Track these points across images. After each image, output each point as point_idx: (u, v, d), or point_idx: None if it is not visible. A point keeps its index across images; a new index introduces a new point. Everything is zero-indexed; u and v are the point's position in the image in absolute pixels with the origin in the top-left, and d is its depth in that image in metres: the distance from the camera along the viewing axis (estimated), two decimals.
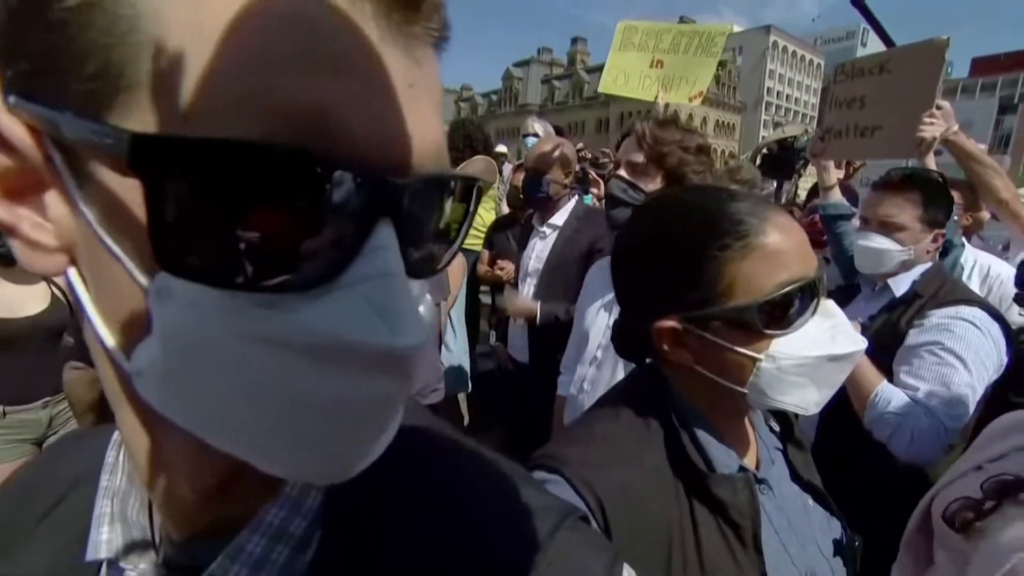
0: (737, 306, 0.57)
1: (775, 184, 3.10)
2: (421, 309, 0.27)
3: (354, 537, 0.30)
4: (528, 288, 2.08)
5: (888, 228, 1.44)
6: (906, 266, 1.45)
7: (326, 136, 0.20)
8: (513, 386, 2.20)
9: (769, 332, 0.57)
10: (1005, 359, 1.30)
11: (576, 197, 2.14)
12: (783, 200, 3.24)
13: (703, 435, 0.60)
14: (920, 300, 1.38)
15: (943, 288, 1.38)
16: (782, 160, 2.50)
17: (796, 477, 0.69)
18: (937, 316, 1.31)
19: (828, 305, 0.61)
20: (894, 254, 1.42)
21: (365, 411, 0.22)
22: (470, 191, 0.28)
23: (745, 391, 0.59)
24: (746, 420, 0.69)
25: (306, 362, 0.20)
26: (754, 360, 0.57)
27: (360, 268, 0.21)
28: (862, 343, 0.61)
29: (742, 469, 0.62)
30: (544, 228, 2.10)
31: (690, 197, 0.67)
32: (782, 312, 0.57)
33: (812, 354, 0.58)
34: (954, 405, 1.21)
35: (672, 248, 0.61)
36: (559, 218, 2.09)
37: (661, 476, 0.59)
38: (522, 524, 0.32)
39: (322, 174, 0.20)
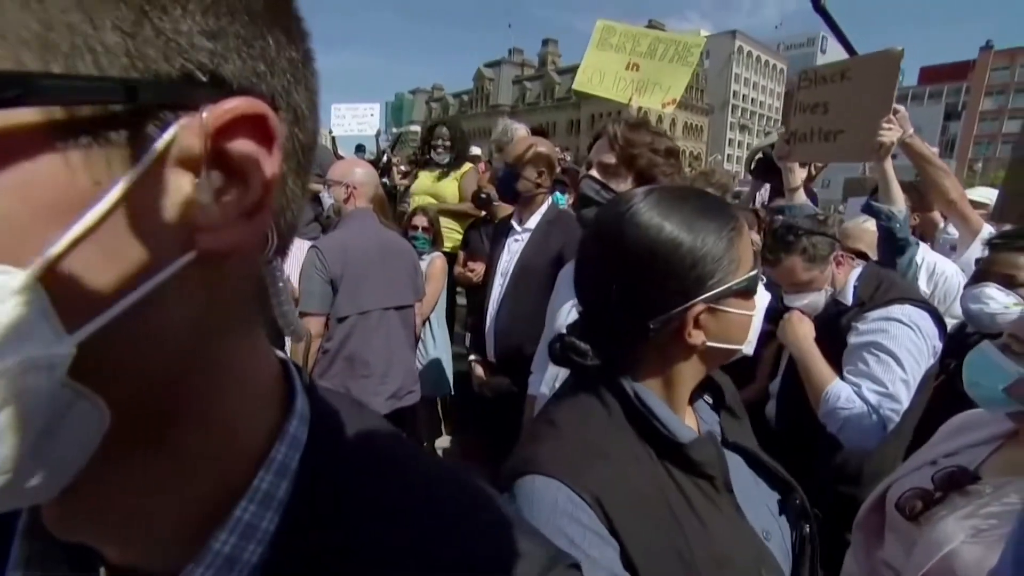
0: (747, 276, 0.69)
1: (768, 187, 3.16)
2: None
3: (319, 550, 0.29)
4: (497, 283, 2.07)
5: (798, 288, 1.56)
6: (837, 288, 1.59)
7: None
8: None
9: (753, 292, 0.71)
10: (939, 344, 1.43)
11: (550, 200, 2.12)
12: (775, 202, 3.29)
13: (663, 414, 0.67)
14: (862, 304, 1.50)
15: (880, 288, 1.51)
16: (776, 164, 2.57)
17: (734, 445, 0.76)
18: (872, 317, 1.45)
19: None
20: (818, 298, 1.57)
21: None
22: None
23: (741, 347, 0.71)
24: (688, 406, 0.76)
25: None
26: (750, 317, 0.71)
27: None
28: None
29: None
30: (519, 229, 2.09)
31: (685, 194, 0.71)
32: (758, 273, 0.71)
33: (767, 300, 0.74)
34: (891, 399, 1.36)
35: (695, 236, 0.66)
36: (533, 220, 2.08)
37: (638, 459, 0.65)
38: (504, 546, 0.32)
39: None
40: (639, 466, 0.64)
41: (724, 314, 0.68)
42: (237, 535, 0.27)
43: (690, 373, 0.71)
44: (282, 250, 0.28)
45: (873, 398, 1.35)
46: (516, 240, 2.09)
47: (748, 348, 0.73)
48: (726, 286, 0.67)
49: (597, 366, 0.71)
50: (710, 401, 0.81)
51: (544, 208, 2.09)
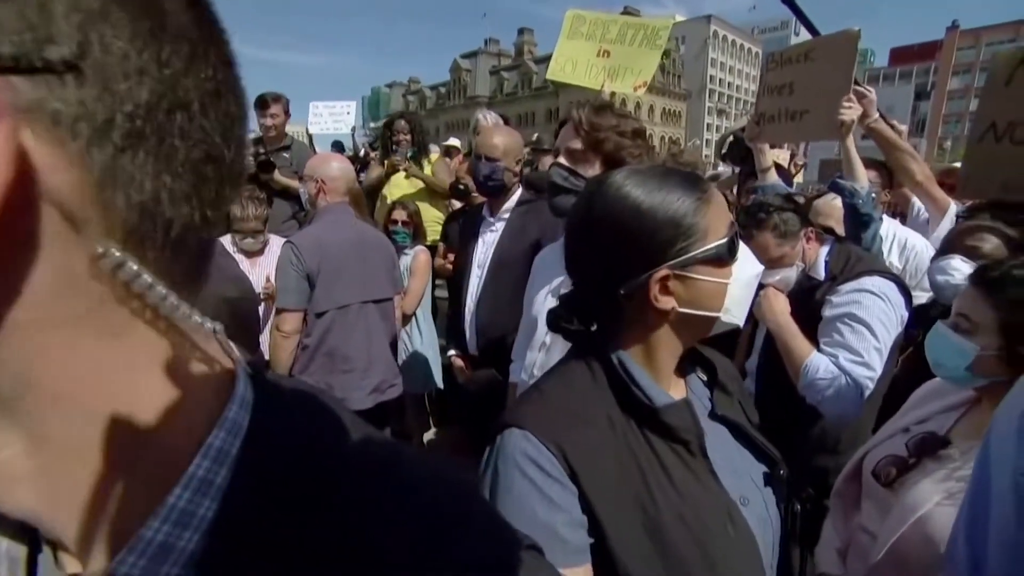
0: (715, 244, 0.70)
1: (739, 171, 3.21)
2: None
3: (260, 538, 0.28)
4: (474, 275, 2.06)
5: (772, 264, 1.60)
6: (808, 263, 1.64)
7: None
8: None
9: (732, 259, 0.72)
10: (905, 313, 1.49)
11: (521, 188, 2.11)
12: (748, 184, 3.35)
13: (644, 381, 0.71)
14: (833, 278, 1.55)
15: (849, 263, 1.56)
16: (749, 148, 2.61)
17: (723, 418, 0.79)
18: (845, 290, 1.49)
19: (738, 239, 0.75)
20: (790, 274, 1.62)
21: None
22: None
23: (718, 314, 0.72)
24: (676, 374, 0.79)
25: None
26: (725, 285, 0.71)
27: None
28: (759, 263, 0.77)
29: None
30: (492, 219, 2.08)
31: (655, 168, 0.75)
32: (733, 243, 0.72)
33: (754, 271, 0.74)
34: (867, 367, 1.40)
35: (659, 204, 0.69)
36: (506, 210, 2.07)
37: (612, 423, 0.69)
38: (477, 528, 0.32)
39: None
40: (612, 428, 0.68)
41: (694, 281, 0.70)
42: (171, 523, 0.26)
43: (669, 341, 0.73)
44: (148, 237, 0.25)
45: (850, 367, 1.39)
46: (491, 231, 2.08)
47: (729, 317, 0.73)
48: (692, 253, 0.68)
49: (588, 336, 0.77)
50: (704, 378, 0.83)
51: (516, 196, 2.07)
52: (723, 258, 0.70)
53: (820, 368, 1.43)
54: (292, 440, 0.31)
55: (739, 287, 0.72)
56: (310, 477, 0.30)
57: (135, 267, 0.25)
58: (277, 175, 3.28)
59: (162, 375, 0.28)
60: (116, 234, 0.24)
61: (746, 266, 0.74)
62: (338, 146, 6.60)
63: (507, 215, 2.06)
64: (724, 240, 0.70)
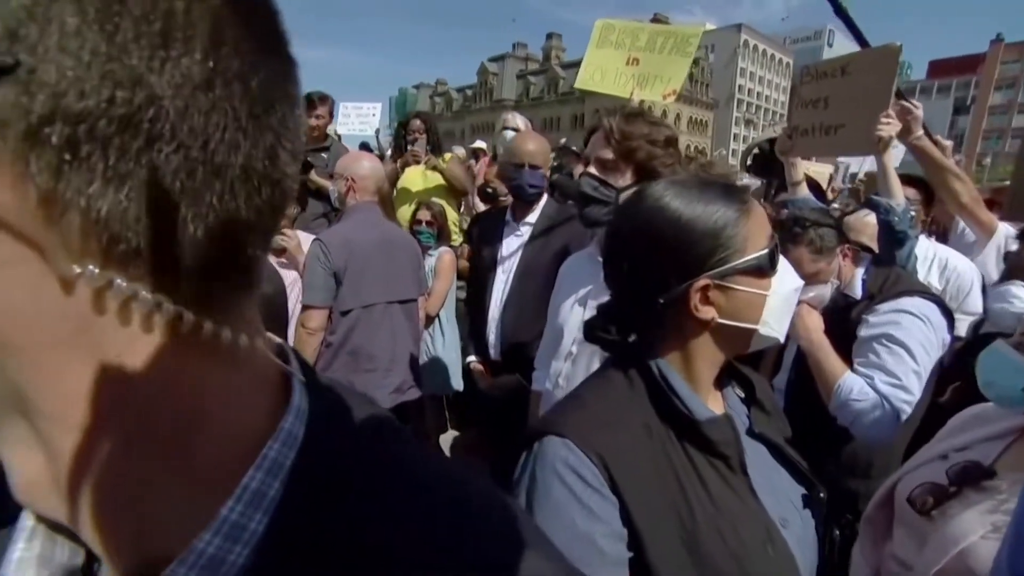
0: (756, 255, 0.70)
1: (765, 182, 3.16)
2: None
3: (311, 553, 0.27)
4: (498, 280, 2.06)
5: (808, 279, 1.55)
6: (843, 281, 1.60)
7: None
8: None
9: (772, 272, 0.72)
10: (947, 336, 1.43)
11: (547, 195, 2.12)
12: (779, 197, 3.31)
13: (684, 392, 0.70)
14: (871, 297, 1.51)
15: (887, 282, 1.52)
16: (773, 159, 2.55)
17: (761, 436, 0.78)
18: (883, 310, 1.44)
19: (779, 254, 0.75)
20: (825, 291, 1.57)
21: None
22: None
23: (757, 327, 0.72)
24: (713, 389, 0.78)
25: None
26: (764, 297, 0.71)
27: None
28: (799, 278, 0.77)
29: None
30: (518, 225, 2.08)
31: (694, 179, 0.76)
32: (773, 256, 0.72)
33: (793, 285, 0.74)
34: (904, 391, 1.35)
35: (699, 215, 0.70)
36: (533, 216, 2.06)
37: (650, 434, 0.69)
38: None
39: None
40: (651, 438, 0.68)
41: (733, 291, 0.70)
42: (222, 536, 0.26)
43: (708, 352, 0.73)
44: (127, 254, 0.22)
45: (886, 390, 1.35)
46: (516, 235, 2.08)
47: (768, 330, 0.72)
48: (732, 264, 0.69)
49: (626, 346, 0.77)
50: (741, 395, 0.83)
51: (542, 202, 2.07)
52: (763, 269, 0.71)
53: (854, 389, 1.38)
54: (346, 452, 0.31)
55: (778, 300, 0.72)
56: (363, 491, 0.29)
57: (124, 285, 0.23)
58: (314, 175, 3.30)
59: (191, 392, 0.26)
60: (95, 253, 0.22)
61: (786, 279, 0.74)
62: (366, 146, 6.70)
63: (532, 220, 2.05)
64: (764, 251, 0.70)
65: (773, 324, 0.73)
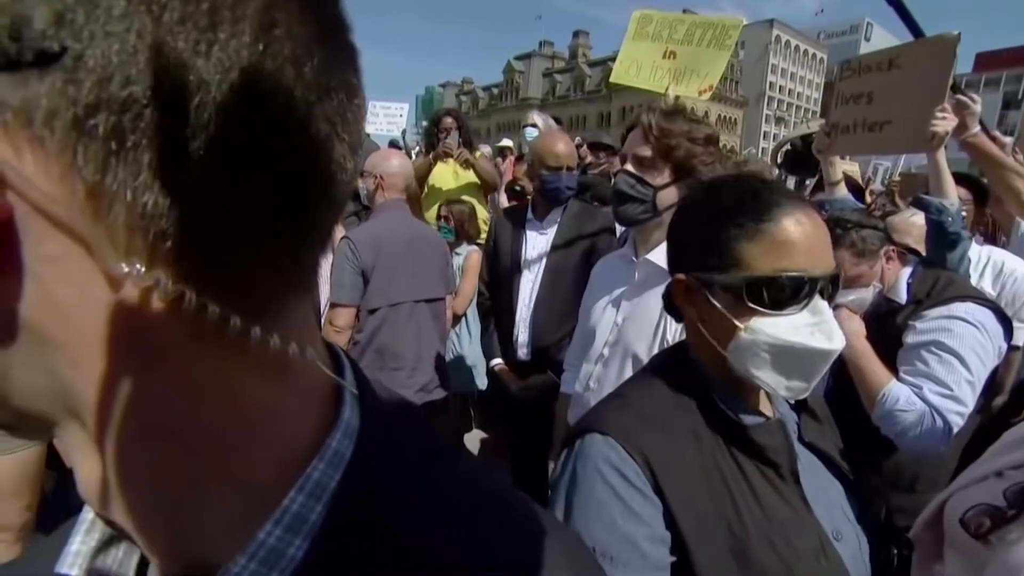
0: (733, 276, 0.66)
1: (796, 180, 3.05)
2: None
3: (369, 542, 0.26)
4: (525, 280, 2.05)
5: (849, 283, 1.51)
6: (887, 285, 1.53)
7: None
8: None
9: (752, 307, 0.65)
10: (1003, 344, 1.35)
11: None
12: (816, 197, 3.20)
13: (726, 395, 0.69)
14: (917, 301, 1.43)
15: (936, 286, 1.43)
16: (806, 156, 2.45)
17: (811, 445, 0.76)
18: (932, 315, 1.36)
19: (820, 305, 0.66)
20: (867, 295, 1.51)
21: None
22: None
23: (726, 355, 0.68)
24: (762, 392, 0.76)
25: None
26: (735, 327, 0.66)
27: None
28: (839, 343, 0.66)
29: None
30: (541, 224, 2.08)
31: (736, 178, 0.76)
32: (771, 294, 0.65)
33: (784, 339, 0.64)
34: (956, 401, 1.27)
35: (704, 216, 0.70)
36: (557, 214, 2.06)
37: (696, 436, 0.67)
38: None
39: None
40: (698, 442, 0.67)
41: (710, 304, 0.68)
42: (258, 561, 0.25)
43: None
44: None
45: (937, 400, 1.27)
46: (541, 234, 2.07)
47: (741, 367, 0.66)
48: (712, 274, 0.68)
49: (673, 348, 0.79)
50: (791, 401, 0.80)
51: (568, 202, 2.07)
52: (740, 295, 0.65)
53: (900, 398, 1.31)
54: (396, 474, 0.29)
55: (761, 341, 0.64)
56: (411, 519, 0.28)
57: (171, 286, 0.21)
58: None
59: (232, 403, 0.25)
60: (141, 250, 0.21)
61: (794, 330, 0.64)
62: (395, 145, 6.79)
63: (557, 218, 2.04)
64: (756, 275, 0.64)
65: (750, 366, 0.66)
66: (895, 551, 0.75)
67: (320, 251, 0.26)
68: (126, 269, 0.21)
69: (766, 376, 0.66)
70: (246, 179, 0.21)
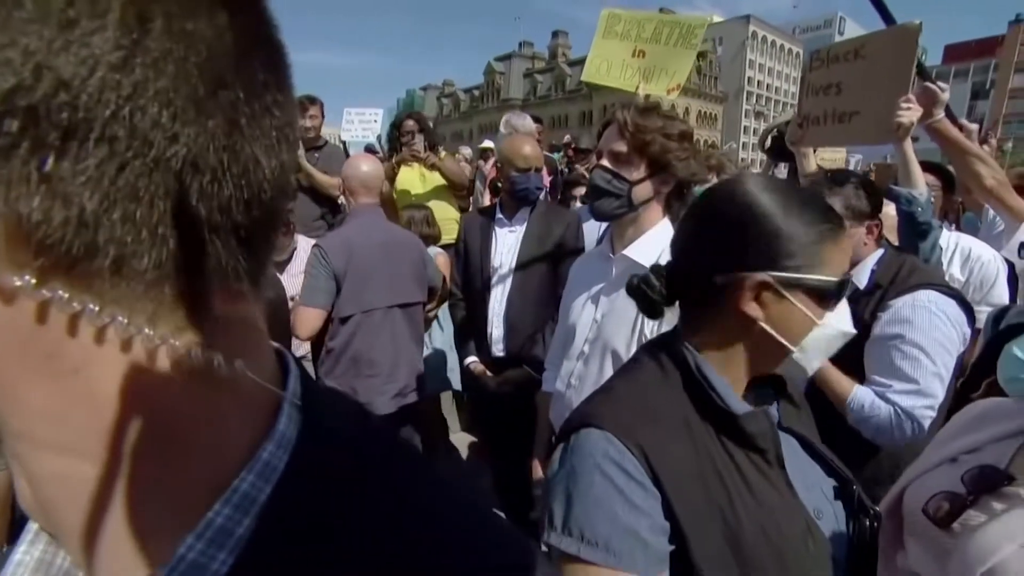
0: (825, 278, 0.68)
1: (786, 168, 3.05)
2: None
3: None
4: (496, 278, 2.09)
5: None
6: (851, 259, 1.49)
7: None
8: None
9: (832, 304, 0.71)
10: (967, 331, 1.36)
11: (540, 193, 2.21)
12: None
13: (720, 385, 0.70)
14: (881, 289, 1.42)
15: (900, 274, 1.42)
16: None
17: (790, 430, 0.77)
18: (896, 305, 1.36)
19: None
20: None
21: None
22: None
23: (794, 349, 0.71)
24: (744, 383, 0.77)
25: None
26: (812, 323, 0.69)
27: None
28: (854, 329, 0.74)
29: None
30: (510, 222, 2.12)
31: (794, 184, 0.79)
32: (839, 291, 0.70)
33: (843, 328, 0.72)
34: (923, 396, 1.28)
35: (788, 215, 0.69)
36: (525, 213, 2.10)
37: (688, 426, 0.68)
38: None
39: None
40: (689, 431, 0.68)
41: (787, 303, 0.68)
42: (178, 573, 0.24)
43: (746, 354, 0.72)
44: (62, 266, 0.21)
45: (902, 400, 1.28)
46: (510, 231, 2.12)
47: (801, 357, 0.72)
48: (798, 275, 0.68)
49: (662, 337, 0.79)
50: (771, 392, 0.82)
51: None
52: (826, 296, 0.70)
53: (865, 404, 1.32)
54: (332, 488, 0.27)
55: (824, 334, 0.71)
56: (342, 537, 0.26)
57: (66, 297, 0.21)
58: (305, 164, 3.25)
59: (153, 413, 0.24)
60: (30, 262, 0.20)
61: (841, 320, 0.72)
62: (371, 149, 6.74)
63: (525, 217, 2.10)
64: (834, 279, 0.69)
65: (809, 354, 0.72)
66: (869, 524, 0.76)
67: (238, 255, 0.25)
68: (18, 283, 0.20)
69: (815, 361, 0.73)
70: (132, 183, 0.20)
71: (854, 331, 0.74)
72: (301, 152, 3.25)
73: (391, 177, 3.42)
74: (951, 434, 1.08)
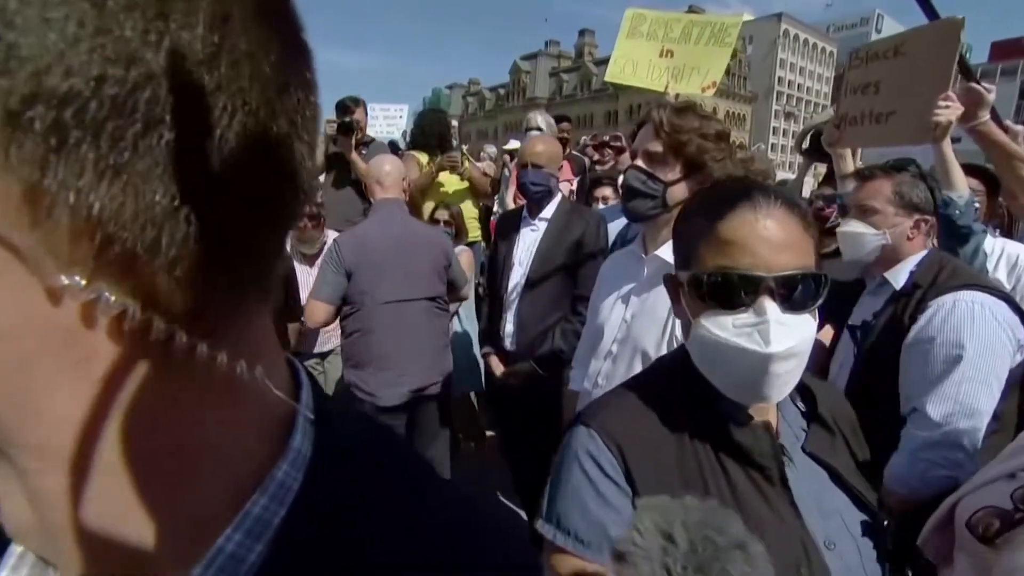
0: (689, 273, 0.69)
1: (824, 169, 2.97)
2: None
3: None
4: (516, 276, 2.14)
5: (864, 213, 1.46)
6: (889, 252, 1.44)
7: None
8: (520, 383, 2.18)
9: (706, 305, 0.67)
10: (1021, 335, 1.27)
11: (561, 192, 2.26)
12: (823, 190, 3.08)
13: (724, 398, 0.69)
14: (920, 290, 1.36)
15: (941, 274, 1.36)
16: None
17: (811, 453, 0.74)
18: (936, 306, 1.29)
19: (767, 307, 0.63)
20: (869, 238, 1.44)
21: None
22: None
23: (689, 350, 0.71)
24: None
25: None
26: (690, 322, 0.69)
27: None
28: (779, 348, 0.62)
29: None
30: (535, 221, 2.17)
31: (718, 183, 0.82)
32: (711, 291, 0.66)
33: (718, 334, 0.65)
34: (968, 416, 1.21)
35: (681, 217, 0.75)
36: (548, 211, 2.15)
37: (679, 431, 0.68)
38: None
39: None
40: (679, 436, 0.68)
41: (681, 302, 0.72)
42: None
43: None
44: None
45: (938, 455, 1.20)
46: (532, 230, 2.18)
47: (696, 361, 0.69)
48: (679, 271, 0.72)
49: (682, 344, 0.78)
50: (803, 408, 0.78)
51: (559, 198, 2.19)
52: (699, 292, 0.68)
53: (904, 474, 1.24)
54: (348, 511, 0.27)
55: (704, 336, 0.66)
56: (360, 563, 0.25)
57: (113, 299, 0.20)
58: (354, 156, 3.27)
59: (176, 430, 0.23)
60: (85, 258, 0.19)
61: (734, 330, 0.64)
62: (393, 146, 6.84)
63: (548, 215, 2.15)
64: (699, 272, 0.68)
65: (697, 360, 0.70)
66: (909, 573, 0.73)
67: (275, 257, 0.24)
68: (65, 281, 0.19)
69: (716, 378, 0.68)
70: (200, 180, 0.20)
71: (744, 345, 0.63)
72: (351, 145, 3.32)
73: (430, 184, 3.53)
74: (1012, 451, 1.04)
